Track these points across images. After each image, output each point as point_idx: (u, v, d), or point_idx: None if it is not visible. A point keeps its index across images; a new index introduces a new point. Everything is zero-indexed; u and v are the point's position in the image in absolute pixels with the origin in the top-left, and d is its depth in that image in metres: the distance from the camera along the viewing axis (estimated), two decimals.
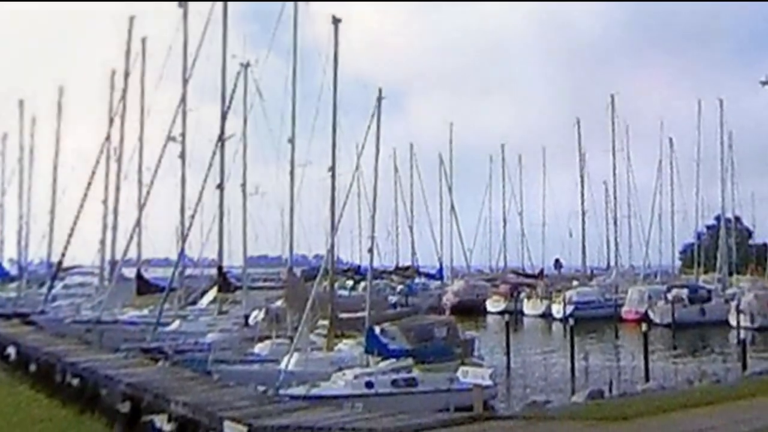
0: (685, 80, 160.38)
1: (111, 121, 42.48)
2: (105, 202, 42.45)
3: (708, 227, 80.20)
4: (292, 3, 34.16)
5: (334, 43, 28.98)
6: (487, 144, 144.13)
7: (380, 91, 27.23)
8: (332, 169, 28.31)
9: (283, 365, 22.46)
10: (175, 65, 37.19)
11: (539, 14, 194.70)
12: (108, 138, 42.04)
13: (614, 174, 69.99)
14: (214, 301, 35.29)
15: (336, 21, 29.02)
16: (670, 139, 70.80)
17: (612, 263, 72.56)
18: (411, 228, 78.53)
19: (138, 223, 37.55)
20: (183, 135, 35.89)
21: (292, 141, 33.27)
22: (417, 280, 71.56)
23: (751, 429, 11.80)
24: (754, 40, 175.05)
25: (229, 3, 35.70)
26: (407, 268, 76.21)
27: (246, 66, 34.48)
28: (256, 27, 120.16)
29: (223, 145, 33.36)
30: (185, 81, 36.07)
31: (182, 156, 36.08)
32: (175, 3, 37.27)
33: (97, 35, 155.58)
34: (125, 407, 16.68)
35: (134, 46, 42.64)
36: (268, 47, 36.02)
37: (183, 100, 35.77)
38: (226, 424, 13.05)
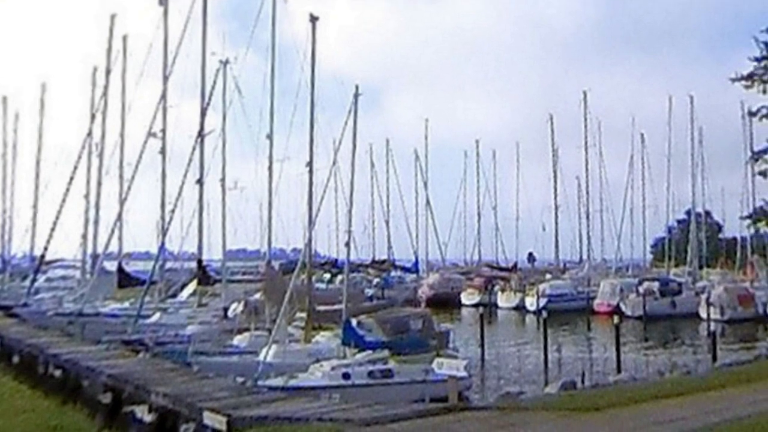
0: (656, 77, 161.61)
1: (92, 117, 42.53)
2: (87, 196, 42.49)
3: (679, 221, 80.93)
4: (270, 1, 34.45)
5: (311, 40, 29.23)
6: (462, 140, 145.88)
7: (357, 87, 27.62)
8: (310, 164, 28.54)
9: (261, 357, 22.59)
10: (155, 62, 37.24)
11: (513, 12, 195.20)
12: (90, 134, 42.03)
13: (587, 169, 71.05)
14: (193, 293, 35.48)
15: (313, 19, 29.22)
16: (642, 135, 71.57)
17: (584, 257, 73.67)
18: (387, 222, 79.19)
19: (119, 217, 37.64)
20: (163, 131, 35.93)
21: (270, 137, 33.61)
22: (393, 274, 71.62)
23: (721, 419, 11.93)
24: (723, 37, 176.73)
25: (209, 1, 35.73)
26: (383, 261, 76.28)
27: (225, 63, 34.68)
28: (235, 25, 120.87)
29: (202, 141, 33.47)
30: (165, 78, 36.06)
31: (162, 151, 36.10)
32: (156, 1, 37.25)
33: (79, 33, 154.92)
34: (107, 398, 16.82)
35: (115, 43, 42.66)
36: (247, 45, 36.60)
37: (163, 96, 35.78)
38: (206, 414, 13.18)
